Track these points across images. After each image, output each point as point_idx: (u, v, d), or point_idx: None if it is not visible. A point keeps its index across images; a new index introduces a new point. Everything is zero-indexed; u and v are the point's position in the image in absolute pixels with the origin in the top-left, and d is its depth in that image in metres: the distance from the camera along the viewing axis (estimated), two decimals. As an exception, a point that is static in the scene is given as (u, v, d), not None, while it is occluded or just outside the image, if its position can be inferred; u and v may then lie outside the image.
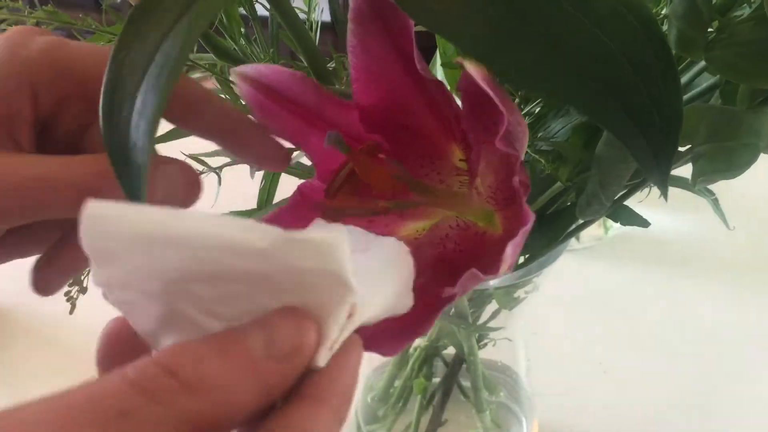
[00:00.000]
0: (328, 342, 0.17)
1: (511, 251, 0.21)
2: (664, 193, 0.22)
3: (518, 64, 0.21)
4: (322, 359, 0.17)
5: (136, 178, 0.20)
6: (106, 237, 0.16)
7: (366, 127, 0.27)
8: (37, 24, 0.34)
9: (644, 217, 0.38)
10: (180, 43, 0.20)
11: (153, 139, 0.20)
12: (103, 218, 0.15)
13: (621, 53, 0.20)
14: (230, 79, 0.27)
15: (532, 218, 0.22)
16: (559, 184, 0.35)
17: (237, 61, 0.30)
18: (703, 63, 0.29)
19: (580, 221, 0.36)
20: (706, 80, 0.31)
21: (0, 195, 0.23)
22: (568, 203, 0.37)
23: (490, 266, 0.22)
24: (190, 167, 0.25)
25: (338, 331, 0.18)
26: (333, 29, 0.37)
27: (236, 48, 0.34)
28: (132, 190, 0.20)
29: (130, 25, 0.21)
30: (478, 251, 0.27)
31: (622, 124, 0.20)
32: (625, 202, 0.36)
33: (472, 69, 0.21)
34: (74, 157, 0.24)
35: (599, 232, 0.76)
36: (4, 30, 0.34)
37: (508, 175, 0.25)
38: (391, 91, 0.26)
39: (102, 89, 0.20)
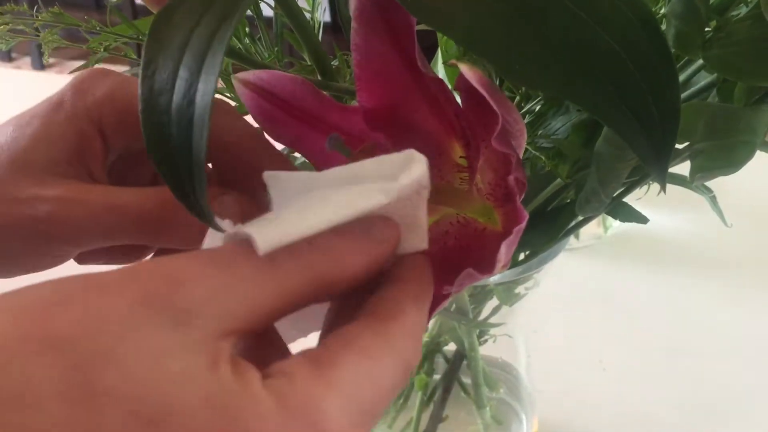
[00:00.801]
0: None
1: (506, 250, 0.22)
2: (663, 186, 0.22)
3: (519, 61, 0.21)
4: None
5: (198, 194, 0.19)
6: (281, 184, 0.22)
7: (369, 125, 0.28)
8: (39, 27, 0.34)
9: (642, 214, 0.38)
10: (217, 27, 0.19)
11: (205, 138, 0.19)
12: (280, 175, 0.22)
13: (621, 49, 0.20)
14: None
15: (525, 217, 0.22)
16: (559, 180, 0.35)
17: (243, 60, 0.30)
18: (700, 61, 0.30)
19: (580, 218, 0.37)
20: (704, 78, 0.32)
21: (74, 219, 0.26)
22: (568, 200, 0.38)
23: (487, 264, 0.22)
24: (246, 197, 0.27)
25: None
26: (332, 30, 0.38)
27: (241, 47, 0.34)
28: (196, 209, 0.20)
29: (159, 23, 0.20)
30: (478, 247, 0.27)
31: (621, 119, 0.21)
32: (624, 200, 0.37)
33: (467, 71, 0.22)
34: (141, 188, 0.27)
35: (598, 230, 0.76)
36: (8, 33, 0.35)
37: (506, 173, 0.25)
38: (393, 88, 0.27)
39: (140, 98, 0.20)
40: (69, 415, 0.15)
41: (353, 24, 0.25)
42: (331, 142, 0.26)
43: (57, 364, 0.15)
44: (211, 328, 0.17)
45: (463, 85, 0.23)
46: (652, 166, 0.22)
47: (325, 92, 0.28)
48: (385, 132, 0.28)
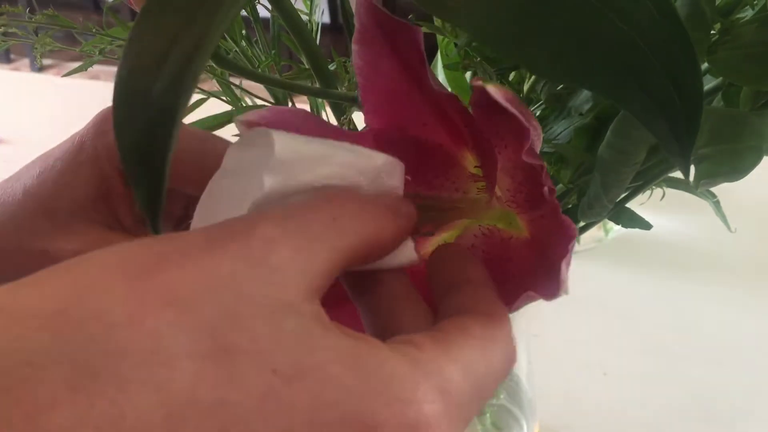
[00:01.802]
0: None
1: (566, 268, 0.21)
2: (686, 175, 0.22)
3: (533, 51, 0.21)
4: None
5: (155, 185, 0.20)
6: (291, 150, 0.20)
7: (378, 145, 0.27)
8: (37, 29, 0.34)
9: (645, 219, 0.38)
10: (198, 42, 0.19)
11: (173, 143, 0.20)
12: (293, 139, 0.20)
13: (638, 37, 0.20)
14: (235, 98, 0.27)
15: (575, 230, 0.22)
16: (560, 186, 0.35)
17: (234, 68, 0.30)
18: (706, 65, 0.29)
19: (582, 223, 0.36)
20: (710, 82, 0.31)
21: None
22: (570, 205, 0.37)
23: (551, 287, 0.22)
24: None
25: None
26: (332, 31, 0.37)
27: (237, 50, 0.34)
28: (150, 199, 0.20)
29: (143, 21, 0.20)
30: (508, 257, 0.27)
31: (643, 106, 0.21)
32: (627, 205, 0.36)
33: (494, 91, 0.21)
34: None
35: (599, 234, 0.76)
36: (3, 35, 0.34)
37: (528, 180, 0.24)
38: (401, 106, 0.26)
39: (114, 91, 0.20)
40: (205, 371, 0.15)
41: (354, 46, 0.25)
42: None
43: (179, 322, 0.15)
44: (302, 286, 0.17)
45: (478, 100, 0.23)
46: (674, 152, 0.21)
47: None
48: (395, 152, 0.27)
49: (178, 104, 0.19)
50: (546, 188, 0.23)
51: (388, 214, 0.21)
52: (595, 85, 0.21)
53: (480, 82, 0.22)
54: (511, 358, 0.21)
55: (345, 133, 0.27)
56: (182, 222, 0.31)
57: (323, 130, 0.27)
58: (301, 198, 0.20)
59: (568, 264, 0.21)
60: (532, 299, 0.22)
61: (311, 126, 0.27)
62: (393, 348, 0.18)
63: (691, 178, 0.35)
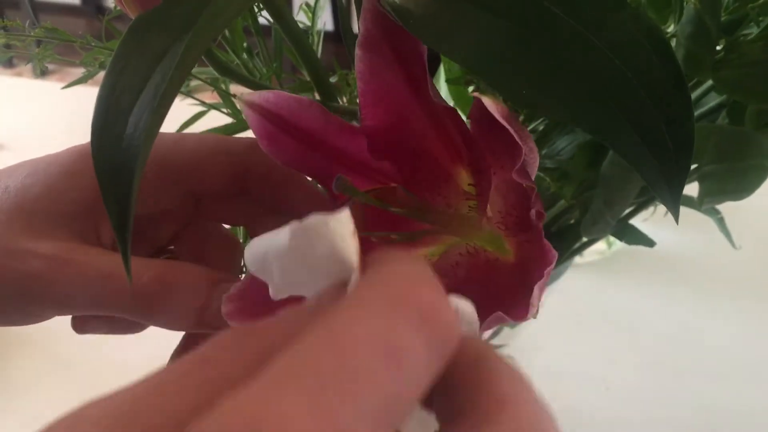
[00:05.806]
0: None
1: (538, 293, 0.21)
2: (675, 217, 0.21)
3: (524, 85, 0.20)
4: None
5: (123, 200, 0.20)
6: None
7: (373, 153, 0.27)
8: (39, 42, 0.34)
9: (648, 234, 0.38)
10: (178, 62, 0.19)
11: (144, 162, 0.20)
12: None
13: (632, 75, 0.20)
14: (233, 99, 0.27)
15: (555, 256, 0.21)
16: (563, 202, 0.34)
17: (238, 77, 0.30)
18: (710, 82, 0.29)
19: (585, 239, 0.36)
20: (714, 99, 0.31)
21: (63, 282, 0.24)
22: (572, 221, 0.37)
23: (519, 308, 0.21)
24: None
25: None
26: (336, 39, 0.37)
27: (239, 62, 0.34)
28: (119, 213, 0.20)
29: (130, 39, 0.20)
30: (490, 279, 0.26)
31: (633, 146, 0.20)
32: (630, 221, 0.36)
33: (489, 104, 0.21)
34: (141, 258, 0.25)
35: (602, 247, 0.76)
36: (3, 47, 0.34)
37: (520, 203, 0.24)
38: (399, 115, 0.26)
39: (95, 106, 0.20)
40: None
41: (358, 51, 0.24)
42: (338, 184, 0.25)
43: None
44: None
45: (477, 114, 0.23)
46: (665, 196, 0.21)
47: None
48: (391, 160, 0.27)
49: (152, 127, 0.19)
50: (534, 211, 0.22)
51: None
52: (585, 124, 0.21)
53: (477, 93, 0.22)
54: None
55: (343, 125, 0.27)
56: (162, 252, 0.30)
57: (323, 120, 0.26)
58: None
59: (542, 289, 0.21)
60: (501, 321, 0.22)
61: (313, 116, 0.26)
62: None
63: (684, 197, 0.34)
